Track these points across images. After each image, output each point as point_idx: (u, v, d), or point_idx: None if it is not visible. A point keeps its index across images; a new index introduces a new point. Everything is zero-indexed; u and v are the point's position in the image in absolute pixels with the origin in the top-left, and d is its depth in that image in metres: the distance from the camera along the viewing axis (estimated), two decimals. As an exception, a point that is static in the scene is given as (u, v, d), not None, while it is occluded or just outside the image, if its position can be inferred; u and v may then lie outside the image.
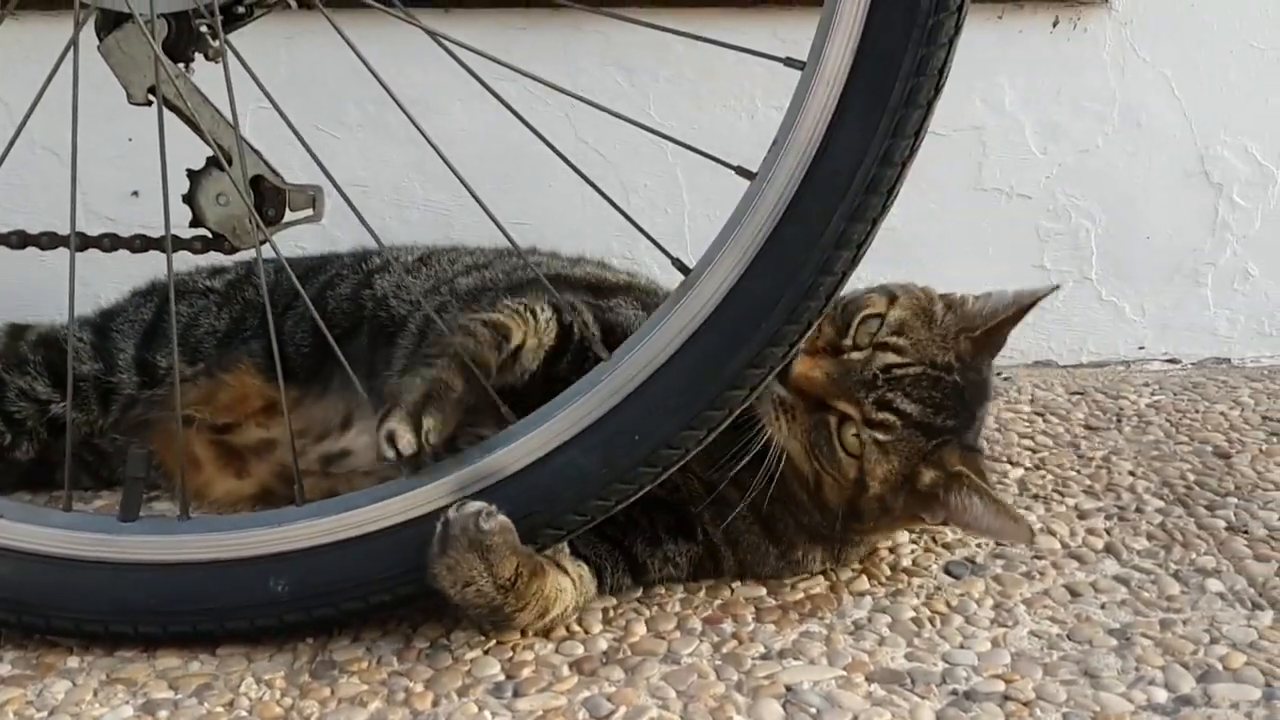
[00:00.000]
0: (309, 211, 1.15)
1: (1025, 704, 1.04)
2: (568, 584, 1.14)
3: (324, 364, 1.43)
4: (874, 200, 1.05)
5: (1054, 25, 1.88)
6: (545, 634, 1.15)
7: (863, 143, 1.04)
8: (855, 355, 1.20)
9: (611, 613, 1.20)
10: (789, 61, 1.06)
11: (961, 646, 1.14)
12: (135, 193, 1.82)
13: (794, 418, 1.19)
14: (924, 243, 1.86)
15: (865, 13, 1.02)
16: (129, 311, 1.53)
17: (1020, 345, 2.00)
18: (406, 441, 1.06)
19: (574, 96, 1.13)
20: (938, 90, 1.04)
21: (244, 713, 1.03)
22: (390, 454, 1.07)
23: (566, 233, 1.59)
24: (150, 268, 1.57)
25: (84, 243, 1.15)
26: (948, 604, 1.22)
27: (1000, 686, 1.07)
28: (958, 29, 1.03)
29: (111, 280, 1.61)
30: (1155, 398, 1.86)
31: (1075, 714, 1.03)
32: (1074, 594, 1.24)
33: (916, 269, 1.93)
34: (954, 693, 1.06)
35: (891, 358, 1.19)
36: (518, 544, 1.08)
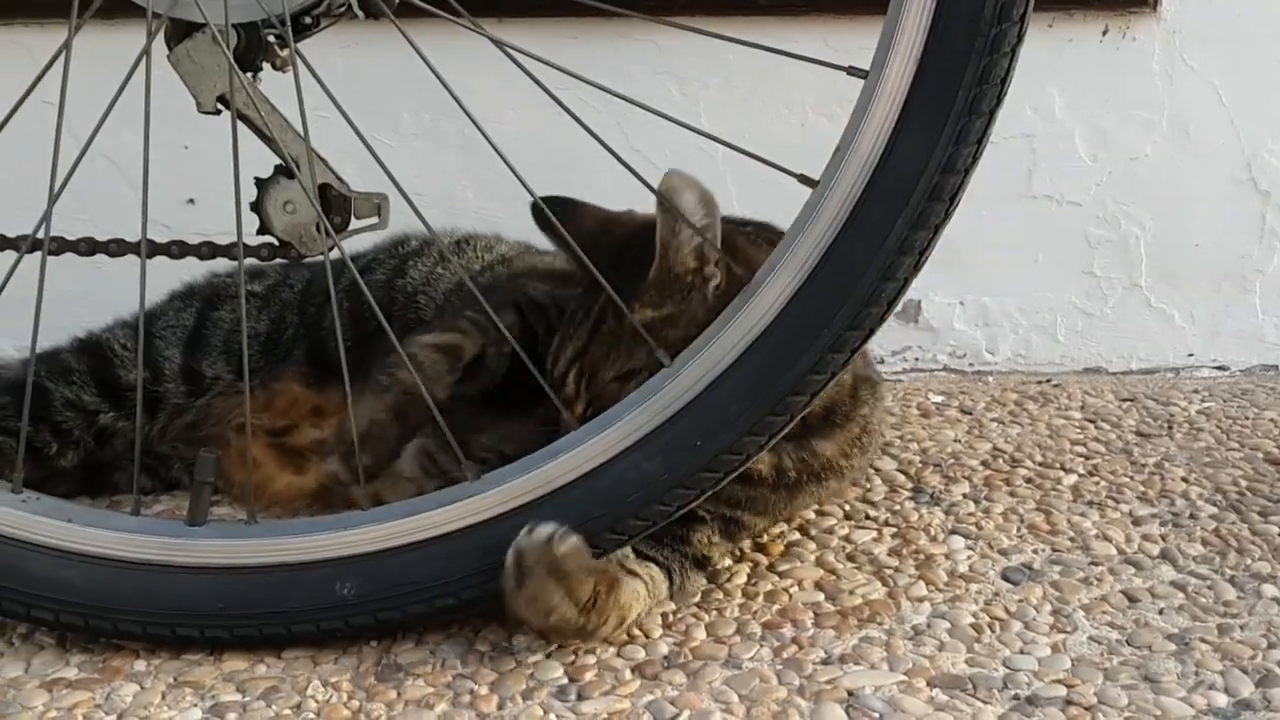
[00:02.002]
0: (374, 219, 1.16)
1: (1087, 709, 1.04)
2: (640, 588, 1.15)
3: (361, 359, 1.43)
4: (937, 207, 1.05)
5: (1103, 34, 1.88)
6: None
7: (926, 150, 1.04)
8: None
9: (671, 617, 1.20)
10: (852, 70, 1.07)
11: (1021, 652, 1.14)
12: (191, 200, 1.85)
13: None
14: (975, 249, 1.86)
15: (928, 23, 1.03)
16: (169, 316, 1.53)
17: (1070, 352, 2.00)
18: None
19: (640, 105, 1.14)
20: (1000, 98, 1.04)
21: (312, 715, 1.05)
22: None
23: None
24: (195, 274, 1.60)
25: (152, 250, 1.16)
26: (1006, 610, 1.22)
27: (1062, 691, 1.07)
28: (1020, 38, 1.03)
29: (165, 286, 1.63)
30: (1205, 404, 1.85)
31: (1137, 718, 1.02)
32: (1131, 600, 1.24)
33: (967, 275, 1.95)
34: (1016, 698, 1.06)
35: None
36: (591, 561, 1.09)
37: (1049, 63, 1.87)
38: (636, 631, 1.18)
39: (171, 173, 1.89)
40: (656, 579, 1.19)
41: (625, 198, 1.80)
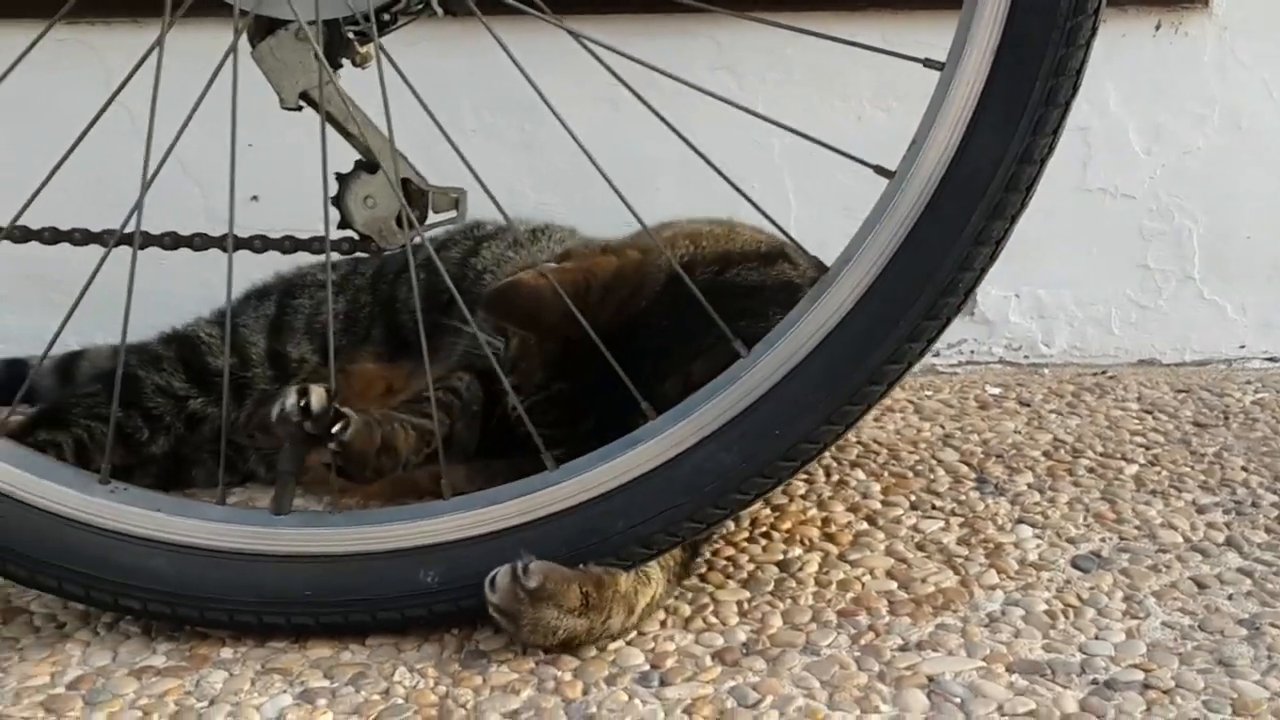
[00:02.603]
0: (453, 213, 1.18)
1: (1165, 692, 1.05)
2: (655, 570, 1.16)
3: (431, 335, 1.46)
4: (1013, 197, 1.07)
5: (1156, 29, 1.89)
6: (684, 624, 1.18)
7: (1003, 141, 1.05)
8: None
9: (746, 605, 1.22)
10: (928, 62, 1.08)
11: (1097, 638, 1.15)
12: (255, 197, 1.87)
13: None
14: (1030, 242, 1.87)
15: (1005, 16, 1.04)
16: (249, 310, 1.58)
17: (1125, 344, 2.01)
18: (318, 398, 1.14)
19: (726, 100, 1.16)
20: (1075, 90, 1.06)
21: (400, 700, 1.06)
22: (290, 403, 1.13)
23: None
24: (266, 270, 1.62)
25: (236, 244, 1.18)
26: (1079, 597, 1.22)
27: (1139, 676, 1.08)
28: (1094, 31, 1.05)
29: (236, 282, 1.66)
30: (1259, 395, 1.85)
31: (1215, 701, 1.03)
32: (1201, 586, 1.24)
33: (1023, 268, 1.95)
34: (1094, 682, 1.07)
35: None
36: (566, 570, 1.10)
37: (1103, 57, 1.87)
38: (713, 619, 1.19)
39: (236, 170, 1.93)
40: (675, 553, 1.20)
41: (685, 193, 1.83)
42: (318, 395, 1.13)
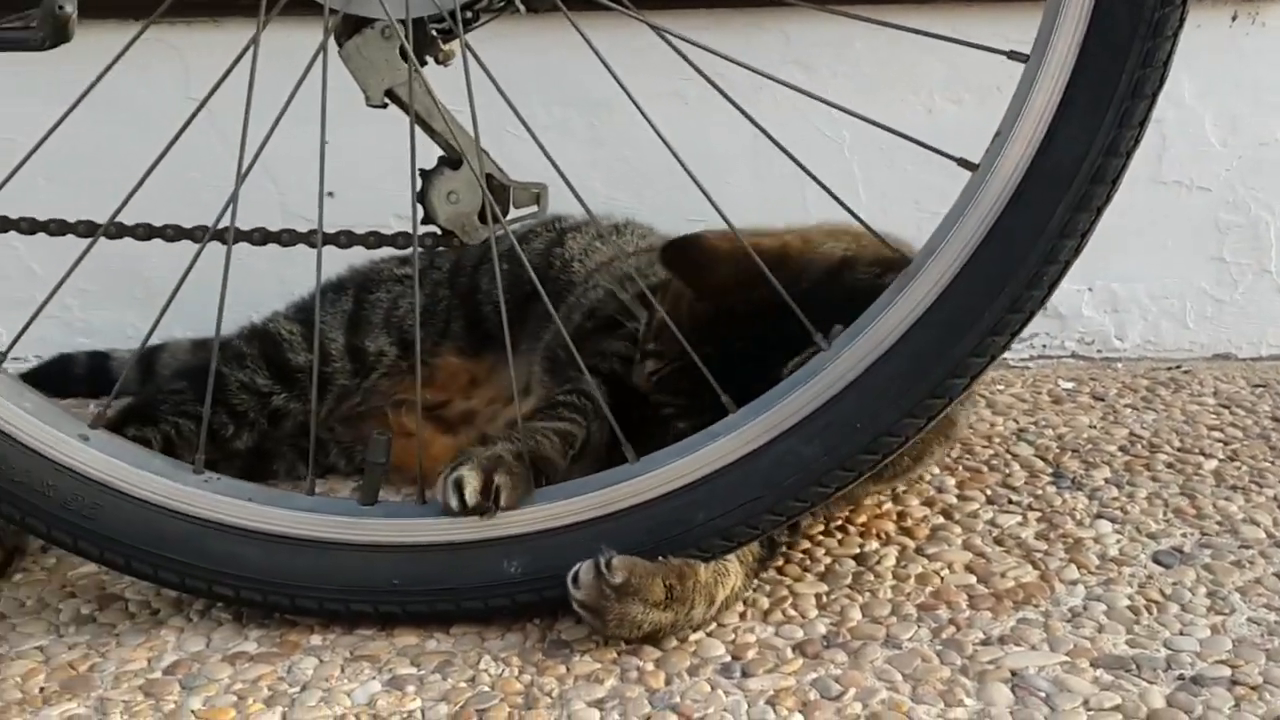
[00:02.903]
0: (534, 208, 1.19)
1: (1253, 688, 1.05)
2: (726, 563, 1.17)
3: (512, 325, 1.47)
4: (1099, 190, 1.06)
5: (1232, 20, 1.86)
6: (763, 616, 1.19)
7: (1089, 133, 1.05)
8: None
9: (825, 598, 1.22)
10: (1013, 55, 1.08)
11: (1181, 633, 1.14)
12: (330, 193, 1.90)
13: None
14: (1103, 235, 1.81)
15: (1091, 7, 1.04)
16: (327, 306, 1.60)
17: (1200, 338, 1.98)
18: (471, 490, 1.12)
19: (797, 89, 1.16)
20: (1162, 81, 1.05)
21: (486, 688, 1.08)
22: (454, 503, 1.12)
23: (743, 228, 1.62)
24: (338, 266, 1.65)
25: (324, 240, 1.21)
26: (1161, 592, 1.22)
27: (1226, 672, 1.07)
28: (1181, 22, 1.04)
29: (298, 276, 1.68)
30: (1337, 390, 1.83)
31: (1306, 699, 1.03)
32: (1287, 583, 1.23)
33: (1095, 261, 1.92)
34: (1181, 678, 1.07)
35: None
36: (647, 564, 1.11)
37: (1179, 48, 1.85)
38: (791, 611, 1.20)
39: (312, 166, 1.96)
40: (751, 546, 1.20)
41: (754, 186, 1.83)
42: (470, 489, 1.13)
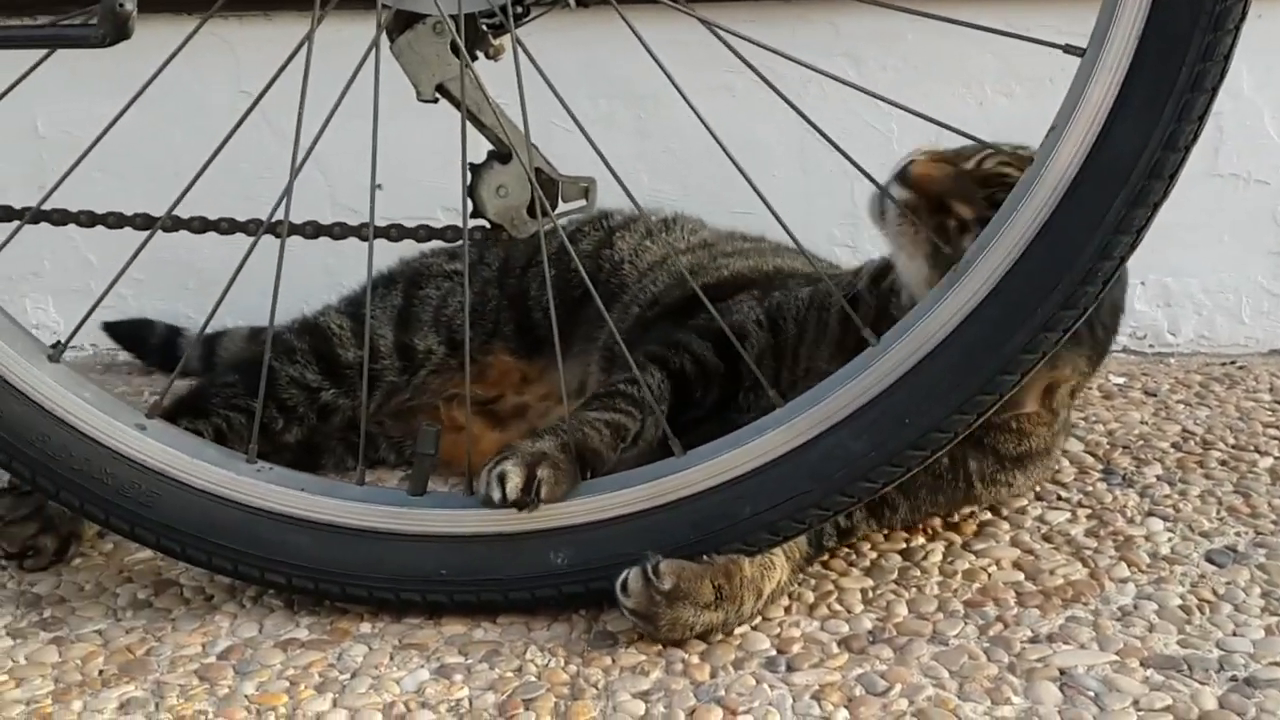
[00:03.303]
0: (582, 202, 1.20)
1: (1309, 693, 1.03)
2: (773, 558, 1.17)
3: (562, 330, 1.48)
4: (1156, 185, 1.05)
5: (1294, 8, 1.82)
6: (809, 610, 1.19)
7: (1146, 128, 1.04)
8: (968, 164, 1.25)
9: (870, 593, 1.22)
10: (1068, 49, 1.07)
11: (1235, 634, 1.13)
12: (379, 186, 1.92)
13: (917, 224, 1.22)
14: (1156, 228, 1.80)
15: (1150, 1, 1.02)
16: (376, 300, 1.60)
17: (1255, 333, 1.95)
18: (513, 485, 1.13)
19: (858, 87, 1.15)
20: (1223, 75, 1.03)
21: (532, 678, 1.09)
22: (496, 495, 1.13)
23: (788, 222, 1.62)
24: (388, 259, 1.66)
25: (375, 233, 1.22)
26: (1214, 592, 1.20)
27: (1280, 674, 1.06)
28: (1244, 15, 1.02)
29: (348, 267, 1.70)
30: (1396, 388, 1.79)
31: (1362, 704, 1.01)
32: (1344, 583, 1.21)
33: (1148, 255, 1.87)
34: (1234, 679, 1.05)
35: (1001, 166, 1.24)
36: (694, 565, 1.11)
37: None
38: (837, 606, 1.20)
39: (361, 160, 1.98)
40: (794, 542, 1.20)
41: (801, 179, 1.83)
42: (512, 484, 1.13)
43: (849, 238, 1.72)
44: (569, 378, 1.48)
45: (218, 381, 1.57)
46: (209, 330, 1.91)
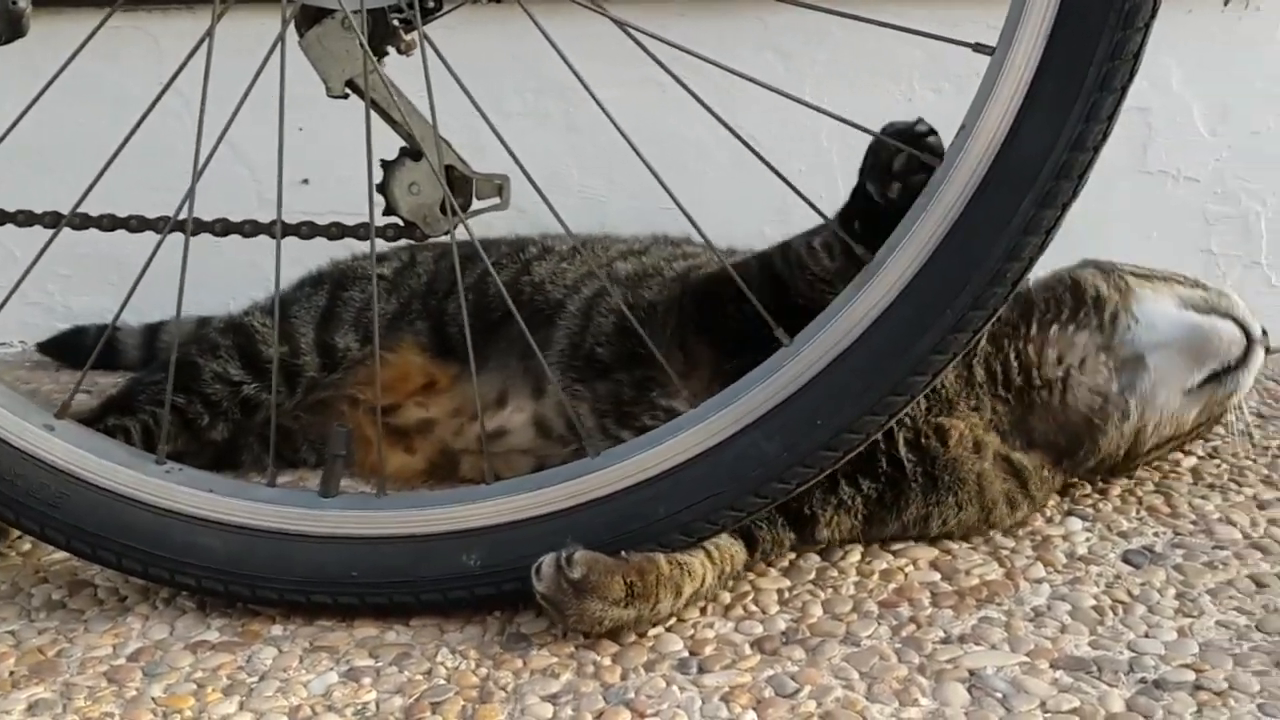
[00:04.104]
0: (496, 200, 1.18)
1: (1218, 694, 1.03)
2: (695, 560, 1.16)
3: (480, 345, 1.47)
4: (1065, 185, 1.04)
5: (1225, 3, 1.83)
6: (724, 611, 1.18)
7: (1055, 128, 1.03)
8: None
9: (787, 594, 1.22)
10: (978, 47, 1.06)
11: (1147, 635, 1.13)
12: (305, 180, 1.90)
13: None
14: (1087, 226, 1.80)
15: (1059, -3, 1.02)
16: (302, 299, 1.60)
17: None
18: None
19: (763, 85, 1.15)
20: (1132, 74, 1.03)
21: (442, 681, 1.08)
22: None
23: (719, 219, 1.61)
24: (318, 257, 1.64)
25: (284, 230, 1.20)
26: (1129, 593, 1.20)
27: (1190, 676, 1.06)
28: (1154, 12, 1.02)
29: (288, 265, 1.67)
30: (1328, 386, 1.80)
31: (1270, 705, 1.01)
32: (1259, 585, 1.22)
33: (1079, 252, 1.90)
34: (1143, 681, 1.05)
35: None
36: (608, 559, 1.11)
37: (1166, 34, 1.80)
38: (753, 606, 1.19)
39: (286, 154, 1.96)
40: (723, 545, 1.20)
41: (734, 175, 1.81)
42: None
43: (780, 234, 1.70)
44: (486, 389, 1.47)
45: (145, 379, 1.57)
46: (150, 321, 1.91)
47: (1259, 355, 1.36)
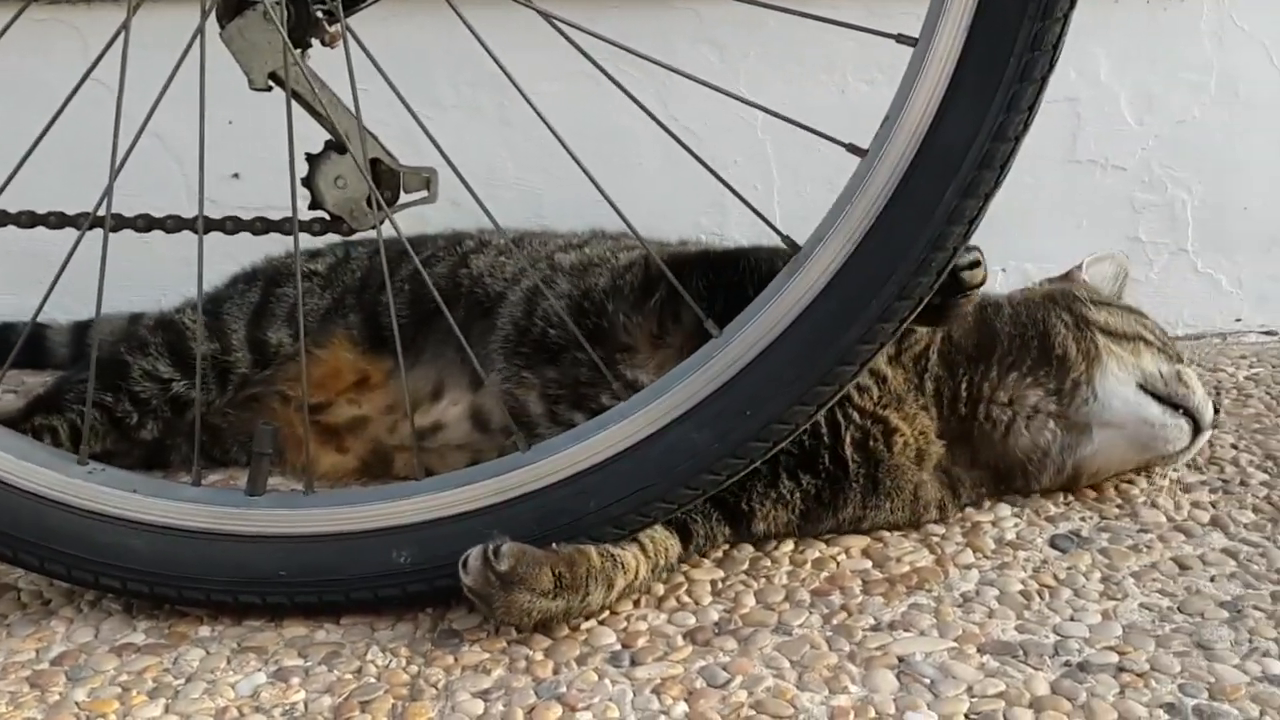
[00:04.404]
0: (424, 193, 1.17)
1: (1140, 675, 1.05)
2: (629, 554, 1.16)
3: (415, 336, 1.46)
4: (987, 175, 1.05)
5: (1150, -5, 1.86)
6: (657, 603, 1.18)
7: (976, 118, 1.04)
8: None
9: (720, 584, 1.22)
10: (900, 38, 1.07)
11: (1072, 619, 1.15)
12: (236, 174, 1.87)
13: None
14: (1017, 215, 1.86)
15: (979, -12, 1.02)
16: (235, 296, 1.58)
17: (1117, 318, 1.98)
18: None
19: (684, 74, 1.14)
20: (1052, 65, 1.04)
21: (372, 679, 1.07)
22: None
23: (656, 213, 1.62)
24: (252, 252, 1.62)
25: (207, 226, 1.18)
26: (1055, 577, 1.22)
27: (1114, 658, 1.07)
28: (1072, 3, 1.03)
29: (212, 260, 1.65)
30: (1254, 370, 1.84)
31: (1190, 685, 1.03)
32: (1182, 567, 1.24)
33: (1009, 241, 1.93)
34: (1067, 664, 1.07)
35: None
36: (537, 551, 1.10)
37: (1094, 25, 1.85)
38: (686, 598, 1.20)
39: (216, 148, 1.90)
40: (659, 539, 1.20)
41: (664, 167, 1.81)
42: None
43: (716, 225, 1.72)
44: (420, 384, 1.46)
45: (73, 378, 1.54)
46: (79, 319, 1.87)
47: (1202, 439, 1.38)
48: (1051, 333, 1.39)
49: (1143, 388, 1.36)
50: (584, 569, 1.12)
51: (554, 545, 1.12)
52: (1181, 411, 1.35)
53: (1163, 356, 1.40)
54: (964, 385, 1.36)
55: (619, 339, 1.32)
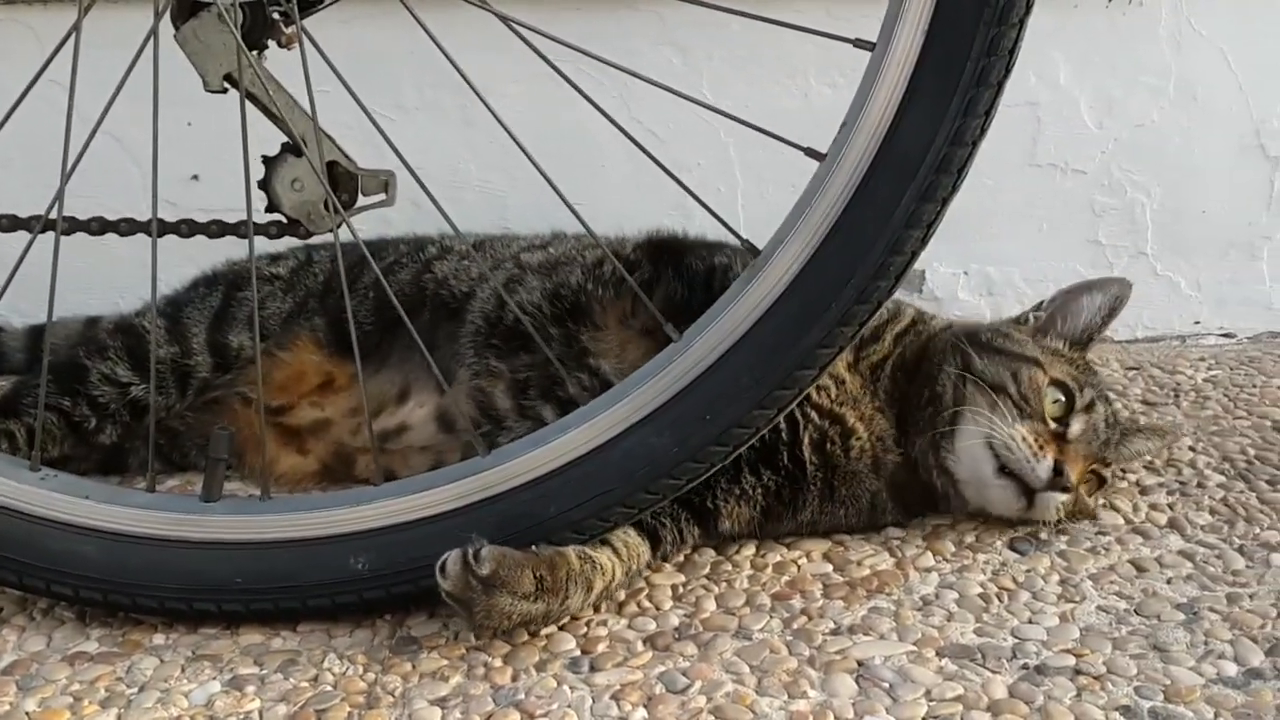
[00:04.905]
0: (381, 196, 1.17)
1: (1096, 678, 1.05)
2: (604, 556, 1.16)
3: (381, 341, 1.46)
4: (945, 180, 1.06)
5: (1109, 1, 1.86)
6: (618, 609, 1.18)
7: (934, 123, 1.04)
8: None
9: (681, 589, 1.22)
10: (858, 43, 1.07)
11: (1030, 622, 1.15)
12: (195, 176, 1.85)
13: None
14: (979, 219, 1.86)
15: (935, -7, 1.03)
16: (196, 300, 1.56)
17: (1076, 321, 1.99)
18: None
19: (643, 79, 1.14)
20: (1009, 70, 1.04)
21: (329, 688, 1.06)
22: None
23: (619, 214, 1.61)
24: (212, 255, 1.60)
25: (162, 229, 1.17)
26: (1014, 580, 1.23)
27: (1070, 661, 1.08)
28: (1028, 8, 1.03)
29: (172, 263, 1.63)
30: (1212, 372, 1.86)
31: (1146, 687, 1.04)
32: (1140, 569, 1.25)
33: (971, 245, 1.94)
34: (1025, 667, 1.07)
35: None
36: (516, 553, 1.09)
37: (1053, 29, 1.86)
38: (646, 603, 1.19)
39: (175, 149, 1.89)
40: (632, 543, 1.20)
41: (627, 169, 1.81)
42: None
43: (680, 228, 1.71)
44: (386, 387, 1.45)
45: (30, 382, 1.51)
46: (34, 323, 1.84)
47: (1050, 498, 1.27)
48: (940, 375, 1.34)
49: (989, 446, 1.29)
50: (564, 571, 1.11)
51: (534, 547, 1.11)
52: (1012, 481, 1.28)
53: (1015, 411, 1.30)
54: (903, 404, 1.35)
55: (593, 318, 1.34)
